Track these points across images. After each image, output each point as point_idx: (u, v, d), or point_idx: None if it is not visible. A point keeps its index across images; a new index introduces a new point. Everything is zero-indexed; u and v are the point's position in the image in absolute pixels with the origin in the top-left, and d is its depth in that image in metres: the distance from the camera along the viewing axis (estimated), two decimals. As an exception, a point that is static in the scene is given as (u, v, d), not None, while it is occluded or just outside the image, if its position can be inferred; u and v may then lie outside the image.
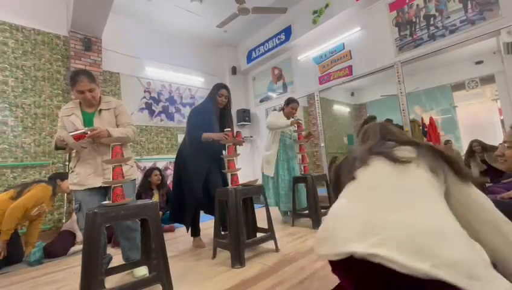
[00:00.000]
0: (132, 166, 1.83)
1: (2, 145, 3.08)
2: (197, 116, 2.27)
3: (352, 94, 7.73)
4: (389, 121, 4.69)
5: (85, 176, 1.66)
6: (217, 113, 2.33)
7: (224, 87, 2.37)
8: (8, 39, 3.26)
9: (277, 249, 1.96)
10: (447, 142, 4.75)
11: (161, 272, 1.36)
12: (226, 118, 2.39)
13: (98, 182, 1.64)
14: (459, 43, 2.97)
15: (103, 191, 1.69)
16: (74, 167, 1.69)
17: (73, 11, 3.23)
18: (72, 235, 2.55)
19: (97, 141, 1.59)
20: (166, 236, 2.41)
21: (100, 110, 1.72)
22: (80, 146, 1.60)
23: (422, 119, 6.41)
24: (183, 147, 2.34)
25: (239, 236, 1.76)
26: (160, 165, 4.37)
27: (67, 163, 3.45)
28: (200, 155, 2.20)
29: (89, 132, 1.52)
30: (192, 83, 5.22)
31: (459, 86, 5.92)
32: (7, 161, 3.09)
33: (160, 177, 3.26)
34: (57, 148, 1.63)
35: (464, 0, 2.93)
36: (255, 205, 2.27)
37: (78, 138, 1.51)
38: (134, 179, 1.85)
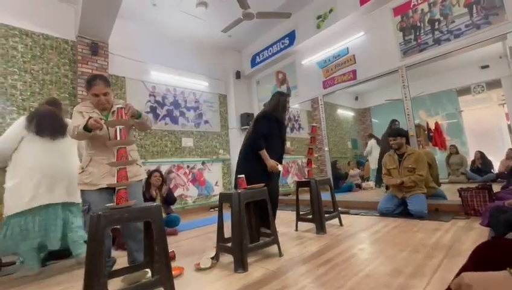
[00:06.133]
0: (141, 166, 1.89)
1: (9, 147, 3.13)
2: (266, 123, 2.37)
3: (356, 98, 7.74)
4: (394, 122, 4.68)
5: (99, 176, 1.67)
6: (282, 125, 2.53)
7: (289, 95, 2.69)
8: (18, 44, 3.34)
9: (280, 254, 1.94)
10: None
11: (164, 275, 1.36)
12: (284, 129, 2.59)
13: (112, 182, 1.65)
14: (465, 48, 2.96)
15: (111, 191, 1.69)
16: (86, 166, 1.70)
17: (81, 16, 3.30)
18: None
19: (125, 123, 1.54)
20: (169, 239, 2.40)
21: (114, 111, 1.77)
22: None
23: (427, 124, 6.37)
24: (247, 144, 2.41)
25: (242, 240, 1.75)
26: (164, 168, 4.39)
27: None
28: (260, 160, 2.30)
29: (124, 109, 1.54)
30: (197, 87, 5.26)
31: (464, 91, 5.89)
32: (14, 163, 3.13)
33: (160, 178, 3.30)
34: (88, 130, 1.58)
35: (469, 5, 2.92)
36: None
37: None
38: (141, 180, 1.88)
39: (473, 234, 2.07)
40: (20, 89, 3.30)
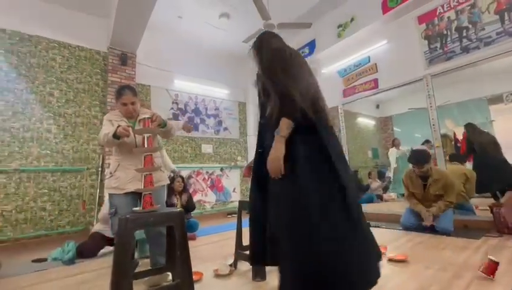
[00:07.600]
0: (164, 172, 1.98)
1: (45, 150, 3.37)
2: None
3: (378, 107, 7.53)
4: (473, 126, 4.27)
5: (125, 181, 1.76)
6: None
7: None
8: (56, 55, 3.62)
9: (298, 265, 1.92)
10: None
11: (185, 280, 1.39)
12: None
13: (138, 187, 1.73)
14: (496, 56, 2.83)
15: (136, 195, 1.77)
16: (114, 171, 1.80)
17: (113, 29, 3.52)
18: (102, 237, 2.68)
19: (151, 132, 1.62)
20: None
21: (140, 120, 1.88)
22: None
23: (454, 134, 6.04)
24: None
25: (260, 249, 1.76)
26: (184, 173, 4.51)
27: (100, 169, 3.69)
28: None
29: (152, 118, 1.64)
30: (217, 95, 5.39)
31: (496, 99, 5.56)
32: (49, 165, 3.37)
33: (182, 184, 3.39)
34: (117, 137, 1.67)
35: (500, 12, 2.80)
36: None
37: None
38: (164, 185, 1.96)
39: (506, 253, 1.94)
40: (56, 97, 3.56)
